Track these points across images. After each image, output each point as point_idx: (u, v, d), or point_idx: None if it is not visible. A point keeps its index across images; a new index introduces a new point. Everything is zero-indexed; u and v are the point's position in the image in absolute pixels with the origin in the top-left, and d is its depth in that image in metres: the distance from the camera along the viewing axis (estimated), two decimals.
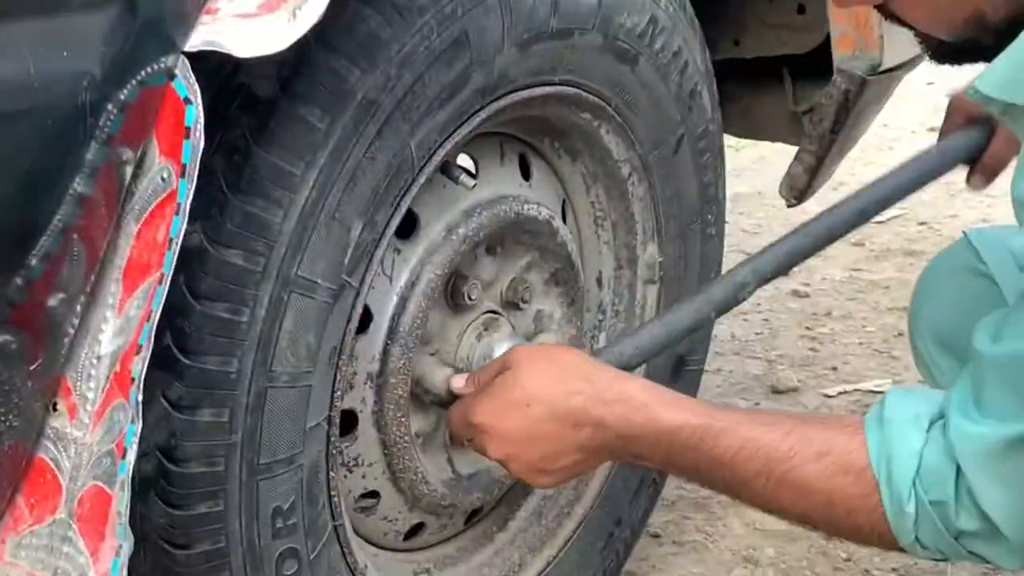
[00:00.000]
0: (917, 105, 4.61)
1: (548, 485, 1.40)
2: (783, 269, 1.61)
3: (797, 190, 2.05)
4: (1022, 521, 1.16)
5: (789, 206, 2.14)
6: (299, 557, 1.40)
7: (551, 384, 1.31)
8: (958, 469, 1.17)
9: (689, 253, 1.83)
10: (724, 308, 1.55)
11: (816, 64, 2.08)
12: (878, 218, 3.65)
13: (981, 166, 1.78)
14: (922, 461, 1.19)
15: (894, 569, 2.09)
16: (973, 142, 1.74)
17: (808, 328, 3.02)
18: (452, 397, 1.49)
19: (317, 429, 1.39)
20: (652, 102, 1.68)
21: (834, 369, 2.82)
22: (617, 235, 1.78)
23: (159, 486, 1.29)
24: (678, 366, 1.89)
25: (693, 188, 1.80)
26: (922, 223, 3.61)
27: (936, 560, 1.25)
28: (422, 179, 1.43)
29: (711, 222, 1.84)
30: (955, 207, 3.73)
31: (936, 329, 1.64)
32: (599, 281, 1.82)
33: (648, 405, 1.29)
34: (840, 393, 2.70)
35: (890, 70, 1.95)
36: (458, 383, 1.47)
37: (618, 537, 1.87)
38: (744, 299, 1.57)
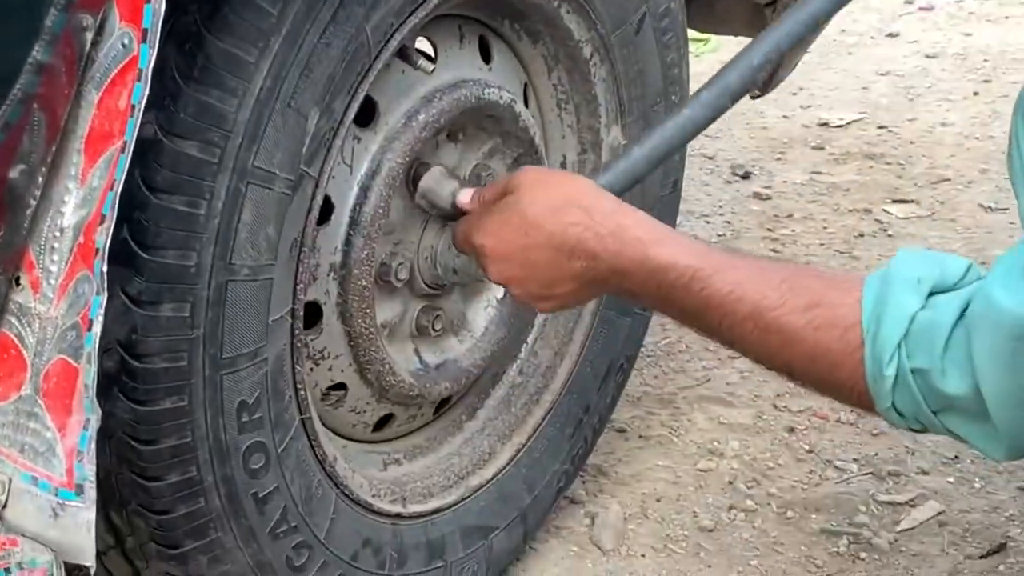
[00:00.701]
0: (875, 12, 4.58)
1: (549, 310, 1.43)
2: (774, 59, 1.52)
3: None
4: (1014, 411, 1.13)
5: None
6: (266, 451, 1.39)
7: (550, 213, 1.30)
8: (950, 334, 1.13)
9: None
10: (713, 117, 1.49)
11: None
12: (838, 121, 3.68)
13: None
14: (912, 325, 1.15)
15: (855, 459, 2.12)
16: None
17: (770, 230, 3.02)
18: (457, 212, 1.48)
19: (280, 322, 1.38)
20: None
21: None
22: (580, 118, 1.76)
23: (122, 382, 1.28)
24: None
25: (656, 69, 1.77)
26: (882, 127, 3.61)
27: (913, 431, 1.23)
28: (379, 65, 1.40)
29: (675, 103, 1.81)
30: (914, 110, 3.73)
31: None
32: (563, 165, 1.80)
33: (642, 241, 1.27)
34: None
35: None
36: (464, 198, 1.46)
37: (586, 423, 1.88)
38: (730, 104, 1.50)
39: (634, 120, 1.77)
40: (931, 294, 1.17)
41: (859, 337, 1.18)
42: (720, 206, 3.19)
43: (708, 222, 3.10)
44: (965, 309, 1.15)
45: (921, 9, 4.63)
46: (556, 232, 1.30)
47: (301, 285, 1.40)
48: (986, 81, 3.93)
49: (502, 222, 1.34)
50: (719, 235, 3.04)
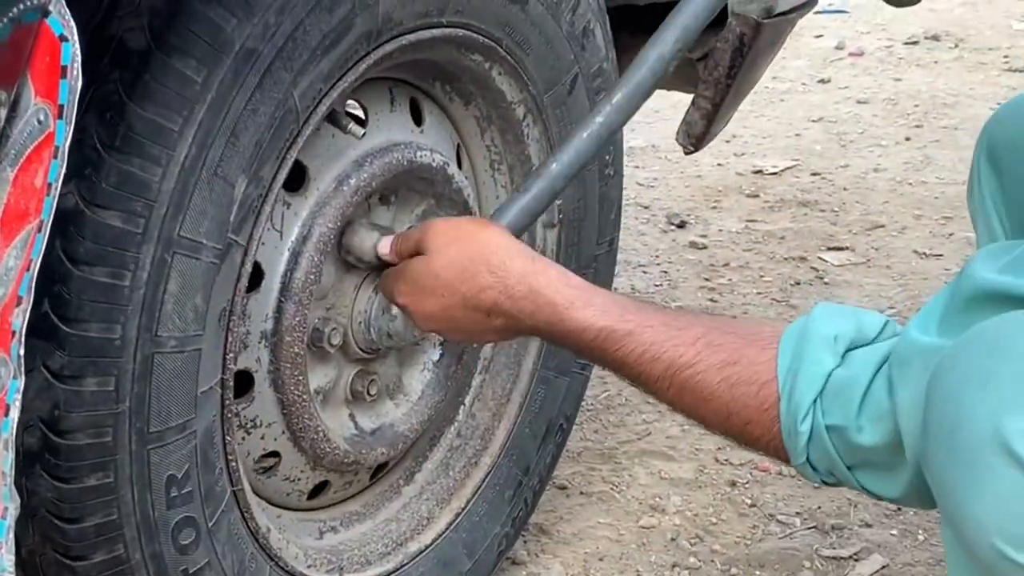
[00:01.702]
0: (806, 59, 4.64)
1: (486, 343, 1.53)
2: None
3: (694, 136, 2.01)
4: (922, 441, 1.09)
5: (687, 153, 2.10)
6: (197, 525, 1.36)
7: (461, 278, 1.35)
8: (867, 390, 1.14)
9: (588, 195, 1.80)
10: (626, 120, 1.51)
11: None
12: (772, 169, 3.71)
13: None
14: (828, 383, 1.16)
15: (798, 513, 2.11)
16: None
17: (707, 279, 3.03)
18: (381, 262, 1.50)
19: (210, 393, 1.35)
20: (544, 41, 1.64)
21: (734, 319, 2.82)
22: (514, 179, 1.75)
23: (45, 459, 1.24)
24: None
25: None
26: (815, 173, 3.65)
27: (826, 484, 1.24)
28: (308, 130, 1.38)
29: (609, 162, 1.81)
30: (847, 156, 3.78)
31: (991, 140, 1.50)
32: None
33: (555, 304, 1.30)
34: None
35: (784, 13, 1.93)
36: (384, 248, 1.48)
37: (527, 485, 1.86)
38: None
39: None
40: (848, 350, 1.18)
41: (775, 393, 1.19)
42: (657, 255, 3.20)
43: (645, 272, 3.11)
44: (881, 365, 1.15)
45: (852, 55, 4.69)
46: (471, 296, 1.34)
47: (231, 354, 1.38)
48: (917, 126, 3.98)
49: (418, 284, 1.39)
50: (656, 285, 3.04)
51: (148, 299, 1.24)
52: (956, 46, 4.73)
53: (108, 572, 1.30)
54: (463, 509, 1.78)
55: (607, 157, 1.81)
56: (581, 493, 2.18)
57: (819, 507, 2.13)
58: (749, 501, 2.16)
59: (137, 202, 1.22)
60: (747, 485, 2.20)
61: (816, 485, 1.23)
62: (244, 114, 1.28)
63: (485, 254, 1.35)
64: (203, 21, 1.23)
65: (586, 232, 1.82)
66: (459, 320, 1.37)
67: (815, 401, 1.17)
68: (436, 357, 1.72)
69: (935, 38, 4.80)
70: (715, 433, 1.28)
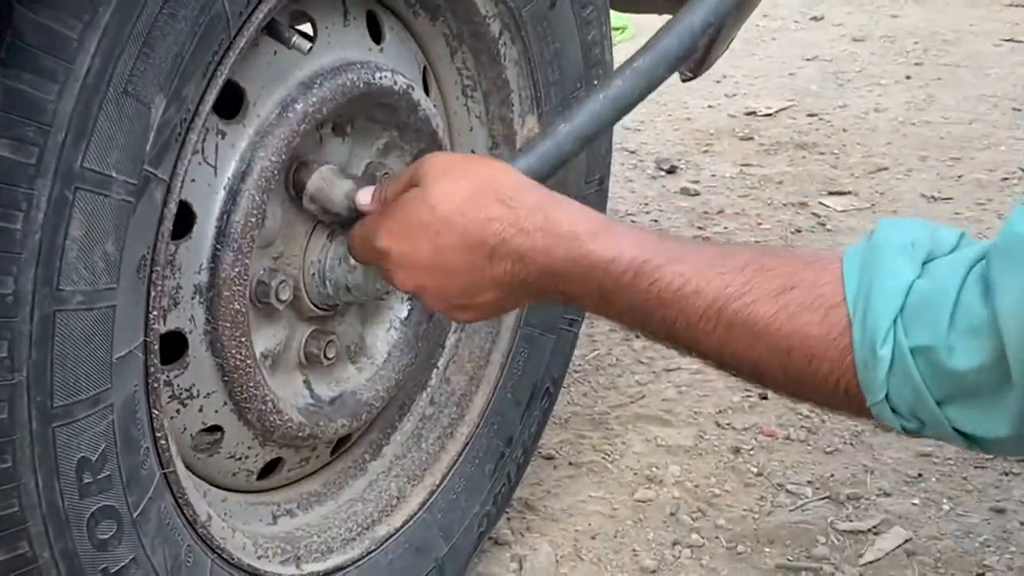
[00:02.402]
0: None
1: (469, 320, 1.22)
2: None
3: (693, 62, 1.79)
4: None
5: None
6: (118, 516, 1.14)
7: (465, 207, 1.09)
8: (956, 301, 0.94)
9: None
10: (649, 89, 1.31)
11: None
12: (766, 110, 3.49)
13: None
14: (909, 296, 0.95)
15: (809, 482, 1.91)
16: None
17: (700, 228, 2.82)
18: (354, 215, 1.23)
19: (129, 359, 1.12)
20: None
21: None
22: (490, 107, 1.52)
23: None
24: None
25: (576, 48, 1.54)
26: (812, 115, 3.44)
27: (906, 431, 1.01)
28: (242, 42, 1.15)
29: (604, 76, 1.58)
30: (845, 96, 3.56)
31: None
32: None
33: (577, 235, 1.06)
34: None
35: None
36: (363, 198, 1.22)
37: (509, 458, 1.65)
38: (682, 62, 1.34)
39: (552, 108, 1.54)
40: (926, 261, 0.97)
41: (844, 318, 0.97)
42: (646, 203, 2.99)
43: (634, 220, 2.89)
44: (971, 271, 0.95)
45: None
46: (473, 230, 1.09)
47: (156, 312, 1.15)
48: (917, 64, 3.77)
49: (409, 221, 1.12)
50: None
51: (45, 245, 1.02)
52: None
53: (12, 573, 1.08)
54: (438, 486, 1.57)
55: (595, 82, 1.58)
56: (570, 464, 1.97)
57: (832, 475, 1.93)
58: (755, 469, 1.95)
59: (28, 127, 0.99)
60: (752, 452, 2.00)
61: (896, 431, 0.99)
62: (160, 19, 1.05)
63: (493, 184, 1.10)
64: None
65: (573, 168, 1.60)
66: (452, 268, 1.11)
67: (895, 320, 0.95)
68: (404, 314, 1.51)
69: None
70: (773, 386, 1.06)
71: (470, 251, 1.10)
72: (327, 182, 1.30)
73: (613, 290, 1.05)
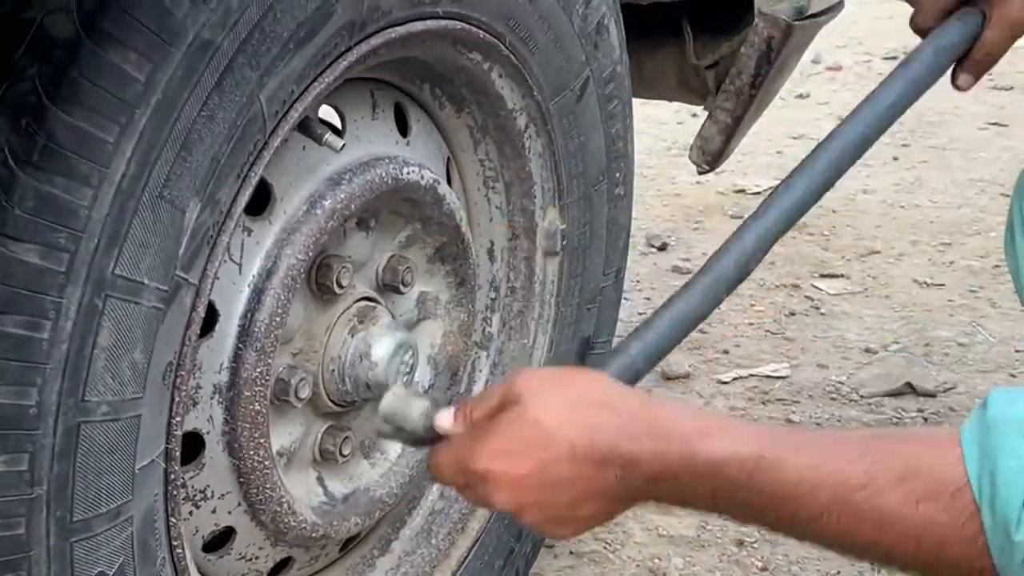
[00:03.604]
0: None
1: (568, 536, 1.14)
2: (792, 221, 1.34)
3: (710, 154, 1.78)
4: None
5: (701, 172, 1.86)
6: None
7: (571, 416, 1.05)
8: None
9: (595, 219, 1.55)
10: (734, 285, 1.28)
11: (719, 13, 1.82)
12: (755, 188, 3.49)
13: (971, 61, 1.44)
14: None
15: None
16: (967, 30, 1.41)
17: None
18: (430, 435, 1.15)
19: (151, 468, 1.08)
20: (553, 39, 1.40)
21: (726, 352, 2.59)
22: (511, 198, 1.50)
23: None
24: (583, 349, 1.62)
25: (600, 142, 1.52)
26: None
27: None
28: (276, 141, 1.12)
29: (620, 181, 1.57)
30: None
31: None
32: (491, 253, 1.54)
33: (685, 436, 1.02)
34: (735, 379, 2.48)
35: (816, 15, 1.70)
36: (445, 421, 1.13)
37: (519, 553, 1.61)
38: (752, 270, 1.31)
39: (574, 201, 1.51)
40: None
41: (971, 503, 0.95)
42: (638, 280, 2.96)
43: (627, 299, 2.86)
44: None
45: (830, 69, 4.50)
46: (580, 440, 1.04)
47: (178, 418, 1.11)
48: (904, 145, 3.78)
49: (512, 439, 1.07)
50: (639, 313, 2.80)
51: (72, 356, 0.98)
52: None
53: None
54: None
55: (617, 175, 1.57)
56: (571, 553, 1.93)
57: (838, 571, 1.89)
58: (760, 563, 1.91)
59: (60, 233, 0.96)
60: (756, 545, 1.96)
61: None
62: (198, 122, 1.02)
63: (593, 393, 1.07)
64: (146, 4, 0.98)
65: (592, 261, 1.58)
66: (559, 482, 1.06)
67: None
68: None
69: None
70: (904, 570, 1.03)
71: (578, 461, 1.05)
72: (402, 403, 1.18)
73: (727, 490, 1.02)
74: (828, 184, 1.35)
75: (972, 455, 0.95)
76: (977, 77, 1.47)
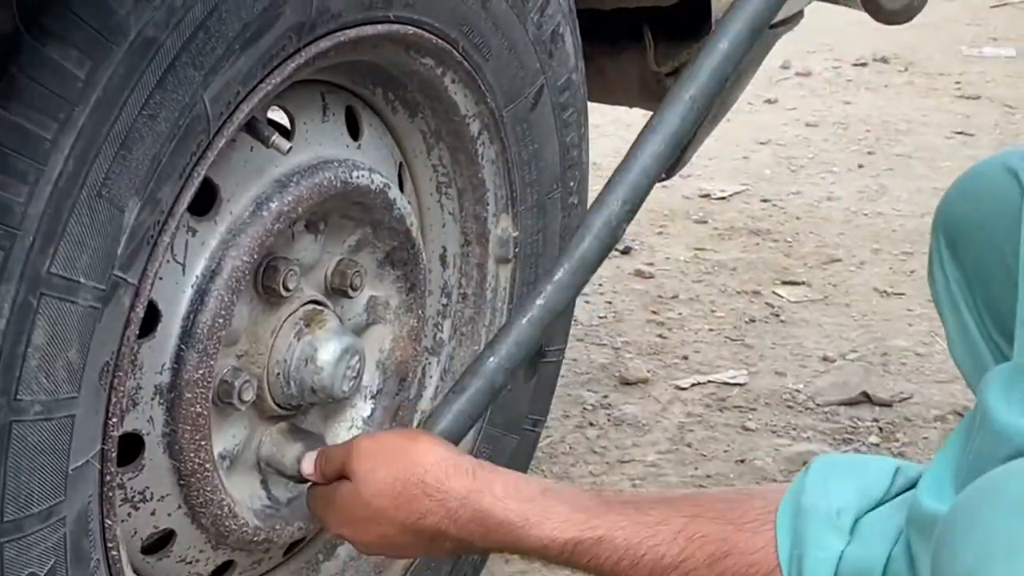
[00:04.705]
0: None
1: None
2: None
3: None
4: None
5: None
6: None
7: (396, 503, 1.17)
8: (885, 566, 0.98)
9: (549, 226, 1.55)
10: (572, 298, 1.32)
11: (680, 19, 1.81)
12: (720, 193, 3.49)
13: None
14: (841, 565, 0.99)
15: None
16: None
17: (655, 312, 2.79)
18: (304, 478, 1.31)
19: (85, 468, 1.07)
20: (506, 45, 1.39)
21: (685, 358, 2.59)
22: (464, 205, 1.49)
23: None
24: (534, 359, 1.61)
25: (554, 150, 1.52)
26: (765, 200, 3.44)
27: None
28: (221, 142, 1.11)
29: (574, 190, 1.56)
30: (798, 183, 3.57)
31: (947, 225, 1.39)
32: (443, 259, 1.53)
33: (508, 525, 1.12)
34: (693, 385, 2.48)
35: (773, 26, 1.70)
36: (307, 467, 1.28)
37: (467, 559, 1.60)
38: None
39: (527, 208, 1.51)
40: (857, 518, 1.02)
41: None
42: (600, 284, 2.96)
43: (588, 302, 2.86)
44: (899, 535, 1.00)
45: (799, 75, 4.51)
46: (410, 524, 1.17)
47: (115, 418, 1.10)
48: (870, 153, 3.80)
49: (349, 514, 1.21)
50: (600, 317, 2.80)
51: (5, 354, 0.97)
52: (906, 70, 4.56)
53: None
54: None
55: (571, 184, 1.56)
56: (522, 558, 1.92)
57: None
58: None
59: None
60: None
61: None
62: (139, 121, 1.01)
63: (419, 475, 1.16)
64: (89, 0, 0.97)
65: (545, 268, 1.57)
66: (403, 545, 1.20)
67: None
68: (367, 412, 1.46)
69: (884, 60, 4.63)
70: None
71: (412, 534, 1.18)
72: (278, 447, 1.33)
73: (555, 563, 1.13)
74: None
75: (785, 537, 1.01)
76: None
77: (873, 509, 1.01)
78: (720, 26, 1.29)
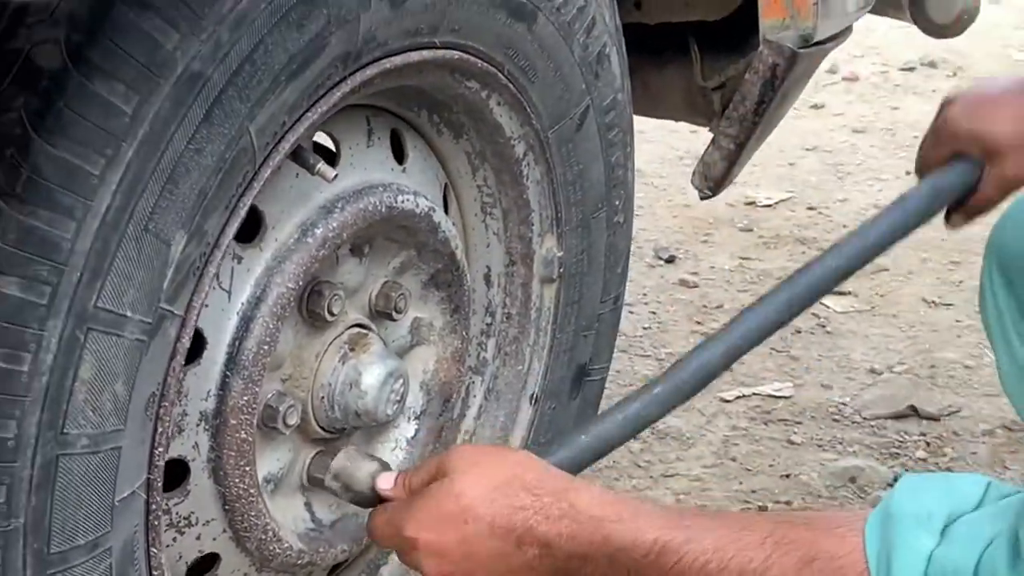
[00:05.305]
0: None
1: None
2: (765, 336, 1.38)
3: (713, 180, 1.77)
4: None
5: (703, 198, 1.86)
6: None
7: (491, 496, 1.11)
8: (978, 562, 0.95)
9: (593, 246, 1.54)
10: (688, 397, 1.32)
11: (727, 34, 1.80)
12: (766, 201, 3.47)
13: (965, 209, 1.51)
14: (930, 566, 0.96)
15: None
16: (965, 180, 1.47)
17: (699, 323, 2.77)
18: (373, 497, 1.24)
19: (131, 499, 1.08)
20: (553, 68, 1.39)
21: (730, 370, 2.57)
22: (509, 226, 1.49)
23: None
24: (579, 376, 1.61)
25: (599, 169, 1.51)
26: (811, 208, 3.41)
27: None
28: (266, 172, 1.11)
29: (619, 209, 1.56)
30: (845, 190, 3.54)
31: (1000, 251, 1.40)
32: (487, 279, 1.53)
33: (599, 520, 1.09)
34: (738, 397, 2.46)
35: (821, 42, 1.68)
36: (385, 484, 1.22)
37: None
38: (708, 383, 1.35)
39: (572, 228, 1.50)
40: (947, 524, 1.00)
41: None
42: (644, 294, 2.94)
43: (632, 312, 2.85)
44: (986, 547, 0.97)
45: (846, 79, 4.46)
46: (500, 517, 1.11)
47: (160, 447, 1.11)
48: None
49: (437, 511, 1.14)
50: (644, 328, 2.79)
51: (53, 388, 0.98)
52: (954, 74, 4.50)
53: None
54: None
55: (617, 203, 1.55)
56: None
57: None
58: None
59: (42, 266, 0.96)
60: None
61: None
62: (185, 155, 1.01)
63: (518, 472, 1.13)
64: (136, 35, 0.97)
65: (589, 288, 1.57)
66: (481, 555, 1.13)
67: None
68: (411, 433, 1.46)
69: (932, 64, 4.57)
70: None
71: (498, 538, 1.12)
72: (351, 462, 1.28)
73: (639, 571, 1.08)
74: (805, 305, 1.39)
75: (873, 542, 0.99)
76: (969, 221, 1.54)
77: (967, 515, 0.99)
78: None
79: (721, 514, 1.11)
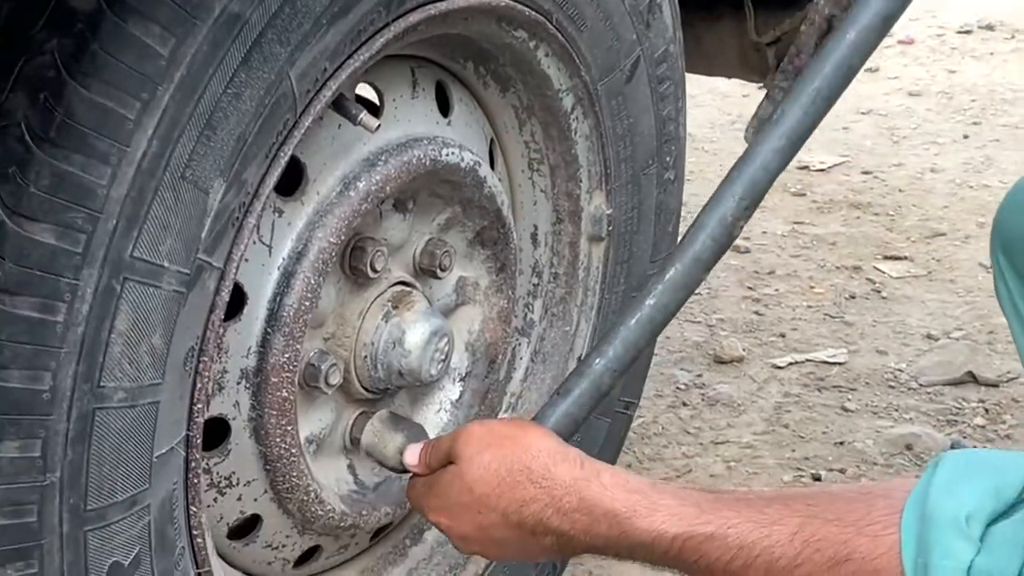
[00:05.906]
0: None
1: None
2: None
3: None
4: None
5: None
6: None
7: (499, 490, 1.11)
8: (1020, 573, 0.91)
9: (643, 204, 1.50)
10: (685, 298, 1.24)
11: None
12: (819, 165, 3.41)
13: None
14: (971, 573, 0.92)
15: None
16: None
17: (751, 288, 2.73)
18: (403, 468, 1.24)
19: (170, 455, 1.05)
20: (602, 16, 1.34)
21: (782, 336, 2.53)
22: (556, 182, 1.45)
23: None
24: None
25: (650, 124, 1.46)
26: (866, 172, 3.35)
27: None
28: (307, 121, 1.08)
29: (670, 165, 1.51)
30: (900, 154, 3.47)
31: (1004, 236, 1.37)
32: (534, 238, 1.49)
33: (615, 515, 1.06)
34: (791, 364, 2.43)
35: None
36: (411, 458, 1.22)
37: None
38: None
39: (621, 185, 1.46)
40: (989, 524, 0.95)
41: None
42: None
43: None
44: None
45: (901, 43, 4.38)
46: (511, 512, 1.11)
47: (199, 404, 1.08)
48: (975, 123, 3.68)
49: (449, 500, 1.15)
50: (695, 294, 2.73)
51: (88, 340, 0.95)
52: (1012, 37, 4.41)
53: None
54: (483, 572, 1.49)
55: (667, 159, 1.51)
56: (619, 561, 1.88)
57: None
58: None
59: (77, 213, 0.92)
60: None
61: None
62: (224, 100, 0.98)
63: (525, 461, 1.11)
64: None
65: (639, 247, 1.53)
66: (501, 541, 1.13)
67: None
68: (456, 395, 1.43)
69: (989, 27, 4.48)
70: None
71: (513, 529, 1.12)
72: (379, 437, 1.28)
73: (662, 561, 1.06)
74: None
75: (909, 543, 0.95)
76: None
77: (1006, 512, 0.94)
78: (851, 14, 1.22)
79: (744, 501, 1.04)
